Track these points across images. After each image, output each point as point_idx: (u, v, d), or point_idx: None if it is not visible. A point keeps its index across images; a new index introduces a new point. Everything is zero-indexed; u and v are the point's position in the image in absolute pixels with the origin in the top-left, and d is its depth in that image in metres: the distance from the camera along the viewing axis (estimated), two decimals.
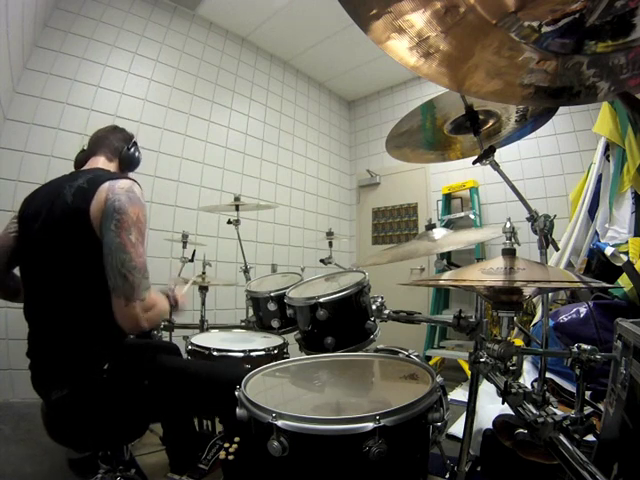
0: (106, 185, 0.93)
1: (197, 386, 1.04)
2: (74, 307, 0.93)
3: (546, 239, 0.94)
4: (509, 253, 0.77)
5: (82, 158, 1.15)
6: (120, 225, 0.89)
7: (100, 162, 1.12)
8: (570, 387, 1.50)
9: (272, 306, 1.56)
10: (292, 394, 0.92)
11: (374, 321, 1.26)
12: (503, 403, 0.85)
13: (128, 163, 1.19)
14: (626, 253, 1.79)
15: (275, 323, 1.58)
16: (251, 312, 1.78)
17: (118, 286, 0.87)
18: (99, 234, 0.91)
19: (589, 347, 0.78)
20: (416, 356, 1.30)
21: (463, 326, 1.08)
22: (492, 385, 0.95)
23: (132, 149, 1.20)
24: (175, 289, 1.13)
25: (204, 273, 1.90)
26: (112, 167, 1.14)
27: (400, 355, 1.30)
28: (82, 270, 0.93)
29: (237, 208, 2.07)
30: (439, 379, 0.90)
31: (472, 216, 3.11)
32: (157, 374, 1.00)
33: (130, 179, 1.01)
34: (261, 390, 0.87)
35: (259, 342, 1.53)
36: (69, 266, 0.92)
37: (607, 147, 2.26)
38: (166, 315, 1.10)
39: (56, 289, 0.93)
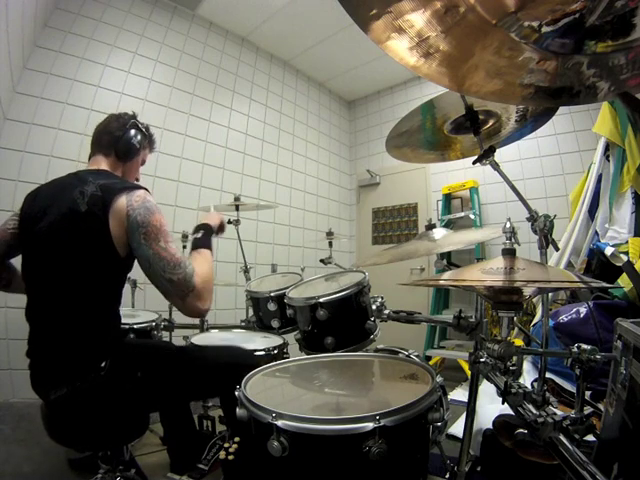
0: (123, 199, 0.95)
1: (194, 370, 1.06)
2: (76, 307, 0.94)
3: (546, 239, 0.94)
4: (509, 253, 0.77)
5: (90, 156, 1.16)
6: (148, 237, 0.93)
7: (102, 162, 1.11)
8: (570, 387, 1.50)
9: (272, 306, 1.56)
10: (292, 394, 0.92)
11: (374, 321, 1.26)
12: (503, 403, 0.85)
13: (125, 152, 1.13)
14: (626, 253, 1.79)
15: (275, 323, 1.58)
16: (251, 312, 1.79)
17: (168, 290, 0.93)
18: (120, 245, 0.94)
19: (589, 347, 0.78)
20: (416, 356, 1.30)
21: (463, 326, 1.08)
22: (492, 385, 0.95)
23: (125, 135, 1.12)
24: (210, 216, 1.20)
25: None
26: (110, 163, 1.12)
27: (400, 355, 1.30)
28: (88, 272, 0.94)
29: (237, 208, 2.07)
30: (439, 379, 0.90)
31: (472, 216, 3.11)
32: (151, 360, 1.02)
33: (141, 187, 1.01)
34: (261, 390, 0.87)
35: (259, 342, 1.53)
36: (75, 268, 0.93)
37: (607, 147, 2.26)
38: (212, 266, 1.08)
39: (60, 290, 0.93)
